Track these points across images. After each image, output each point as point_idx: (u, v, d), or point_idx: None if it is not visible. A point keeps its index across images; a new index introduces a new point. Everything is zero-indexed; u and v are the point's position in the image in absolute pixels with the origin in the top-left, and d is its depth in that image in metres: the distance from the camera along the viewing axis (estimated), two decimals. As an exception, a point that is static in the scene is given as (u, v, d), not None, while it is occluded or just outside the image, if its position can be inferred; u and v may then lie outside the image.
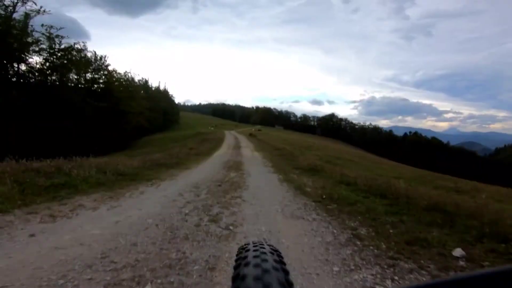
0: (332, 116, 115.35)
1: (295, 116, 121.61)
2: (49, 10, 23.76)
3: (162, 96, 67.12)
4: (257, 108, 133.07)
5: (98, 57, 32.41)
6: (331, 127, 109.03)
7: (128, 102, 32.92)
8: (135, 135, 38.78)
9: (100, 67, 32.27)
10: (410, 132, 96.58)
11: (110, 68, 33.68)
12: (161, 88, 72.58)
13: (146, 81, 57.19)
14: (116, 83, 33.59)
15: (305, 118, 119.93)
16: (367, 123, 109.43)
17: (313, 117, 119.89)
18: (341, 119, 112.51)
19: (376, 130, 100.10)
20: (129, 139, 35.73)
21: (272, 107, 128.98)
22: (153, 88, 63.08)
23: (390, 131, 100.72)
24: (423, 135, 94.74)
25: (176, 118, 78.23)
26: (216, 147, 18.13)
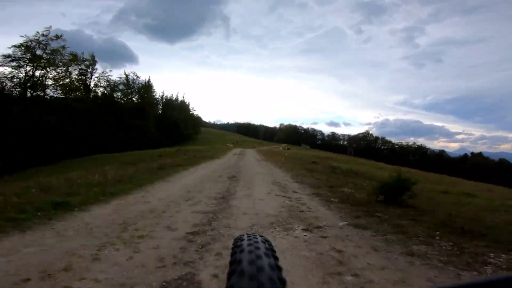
0: (367, 135, 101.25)
1: (321, 134, 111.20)
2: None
3: (175, 106, 67.64)
4: (281, 125, 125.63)
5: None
6: (364, 146, 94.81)
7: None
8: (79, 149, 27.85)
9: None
10: (472, 153, 75.33)
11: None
12: (180, 99, 73.15)
13: (146, 83, 48.95)
14: None
15: (333, 136, 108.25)
16: (410, 142, 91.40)
17: (343, 135, 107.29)
18: (376, 138, 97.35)
19: (421, 149, 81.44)
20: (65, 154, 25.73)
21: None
22: (158, 95, 59.21)
23: (442, 151, 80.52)
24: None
25: (191, 132, 75.65)
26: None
